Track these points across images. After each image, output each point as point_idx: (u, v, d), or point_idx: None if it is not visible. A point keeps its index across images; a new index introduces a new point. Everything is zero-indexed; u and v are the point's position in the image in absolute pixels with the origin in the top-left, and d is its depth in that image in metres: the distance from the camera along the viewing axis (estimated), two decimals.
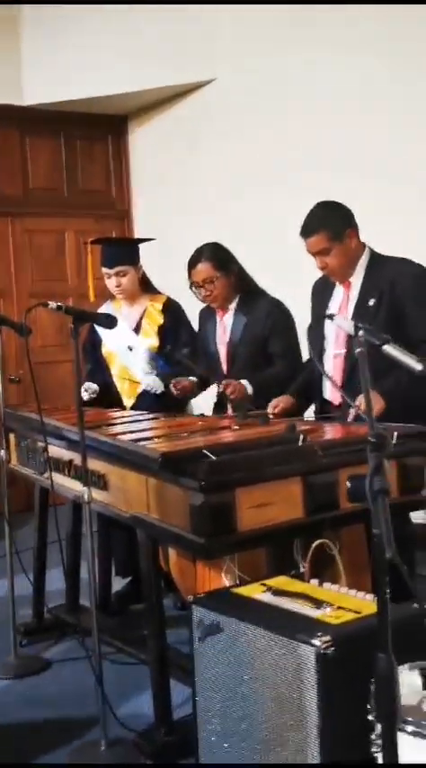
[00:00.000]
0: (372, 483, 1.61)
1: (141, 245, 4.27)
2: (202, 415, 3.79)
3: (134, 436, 3.10)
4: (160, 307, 4.13)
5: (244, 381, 3.65)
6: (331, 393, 3.45)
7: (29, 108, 6.44)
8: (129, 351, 4.10)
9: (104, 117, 6.88)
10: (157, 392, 4.03)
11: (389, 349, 1.99)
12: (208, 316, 4.00)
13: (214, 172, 6.11)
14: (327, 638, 2.02)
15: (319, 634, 2.03)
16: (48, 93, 6.38)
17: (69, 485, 3.40)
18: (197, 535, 2.51)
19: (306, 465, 2.67)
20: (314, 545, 2.56)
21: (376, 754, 1.81)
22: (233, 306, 3.85)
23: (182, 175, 6.41)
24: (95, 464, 3.07)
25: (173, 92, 6.35)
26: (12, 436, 4.07)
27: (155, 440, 3.02)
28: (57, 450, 3.46)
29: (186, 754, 2.62)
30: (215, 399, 3.98)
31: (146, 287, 4.17)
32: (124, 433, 3.28)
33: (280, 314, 3.82)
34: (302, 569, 2.56)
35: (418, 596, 2.11)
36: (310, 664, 2.02)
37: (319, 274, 3.52)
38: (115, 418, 3.79)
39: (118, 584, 4.26)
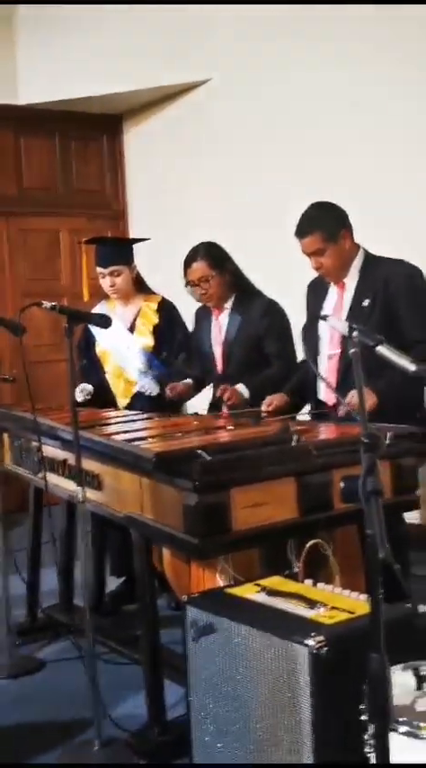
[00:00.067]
0: (365, 483, 1.62)
1: (135, 245, 4.26)
2: (196, 414, 3.79)
3: (128, 436, 3.10)
4: (155, 306, 4.13)
5: (239, 386, 3.65)
6: (325, 393, 3.45)
7: (23, 107, 6.43)
8: (126, 350, 4.09)
9: (99, 116, 6.88)
10: (153, 394, 4.03)
11: (383, 350, 1.99)
12: (203, 315, 4.00)
13: (209, 172, 6.11)
14: (321, 638, 2.02)
15: (313, 634, 2.03)
16: (42, 92, 6.37)
17: (63, 485, 3.40)
18: (191, 535, 2.51)
19: (300, 465, 2.67)
20: (308, 545, 2.56)
21: (369, 755, 1.81)
22: (228, 305, 3.86)
23: (177, 175, 6.40)
24: (89, 464, 3.07)
25: (168, 92, 6.35)
26: (5, 436, 4.07)
27: (150, 440, 3.02)
28: (51, 450, 3.46)
29: (180, 755, 2.62)
30: (210, 400, 3.98)
31: (140, 287, 4.17)
32: (118, 432, 3.28)
33: (276, 314, 3.82)
34: (296, 569, 2.56)
35: (411, 597, 2.12)
36: (304, 664, 2.02)
37: (314, 274, 3.53)
38: (109, 418, 3.79)
39: (112, 584, 4.26)
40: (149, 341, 4.07)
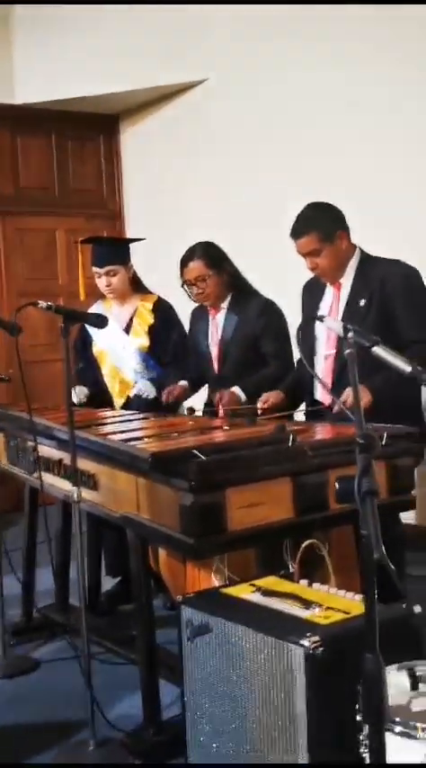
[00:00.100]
0: (361, 484, 1.62)
1: (132, 245, 4.26)
2: (192, 408, 3.77)
3: (124, 436, 3.10)
4: (151, 306, 4.13)
5: (235, 389, 3.65)
6: (321, 393, 3.45)
7: (20, 107, 6.43)
8: (122, 350, 4.09)
9: (96, 116, 6.88)
10: (150, 397, 4.03)
11: (378, 350, 1.99)
12: (200, 315, 4.00)
13: (205, 172, 6.11)
14: (316, 638, 2.02)
15: (308, 634, 2.04)
16: (39, 92, 6.37)
17: (59, 484, 3.39)
18: (186, 535, 2.52)
19: (295, 465, 2.68)
20: (303, 545, 2.57)
21: (364, 755, 1.81)
22: (225, 305, 3.86)
23: (174, 175, 6.40)
24: (85, 464, 3.07)
25: (165, 92, 6.35)
26: (1, 435, 4.07)
27: (146, 440, 3.01)
28: (47, 450, 3.46)
29: (175, 755, 2.62)
30: (206, 400, 3.97)
31: (136, 287, 4.17)
32: (114, 432, 3.28)
33: (273, 314, 3.82)
34: (291, 570, 2.56)
35: (406, 597, 2.12)
36: (299, 664, 2.02)
37: (310, 275, 3.53)
38: (105, 418, 3.78)
39: (108, 583, 4.26)
40: (145, 341, 4.07)
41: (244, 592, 2.39)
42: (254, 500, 2.57)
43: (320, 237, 3.31)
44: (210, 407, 3.81)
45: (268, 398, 3.48)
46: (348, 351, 1.89)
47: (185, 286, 3.83)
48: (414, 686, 1.92)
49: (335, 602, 2.25)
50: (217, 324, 3.88)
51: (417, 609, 2.20)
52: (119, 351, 4.10)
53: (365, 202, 4.63)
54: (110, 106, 6.72)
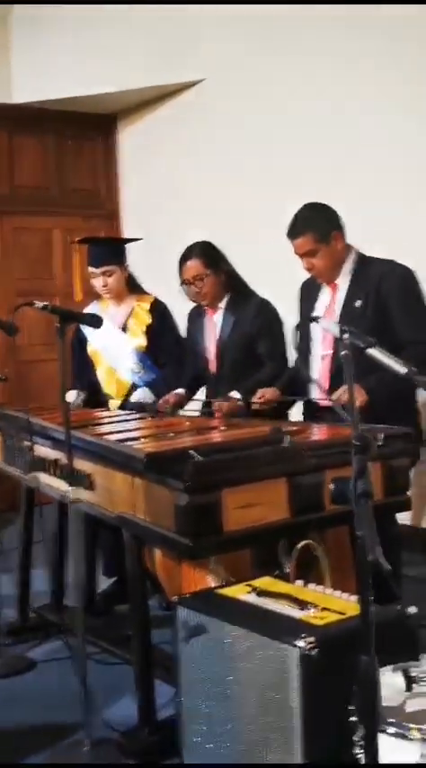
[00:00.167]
0: (356, 486, 1.62)
1: (128, 245, 4.26)
2: (209, 401, 3.75)
3: (120, 436, 3.10)
4: (147, 306, 4.12)
5: (233, 393, 3.65)
6: (317, 393, 3.45)
7: (17, 106, 6.42)
8: (118, 351, 4.09)
9: (93, 116, 6.87)
10: (149, 402, 4.02)
11: (374, 352, 1.99)
12: (197, 315, 4.00)
13: (203, 172, 6.10)
14: (311, 639, 2.02)
15: (303, 635, 2.04)
16: (37, 91, 6.36)
17: (55, 484, 3.39)
18: (182, 536, 2.52)
19: (291, 466, 2.68)
20: (299, 546, 2.57)
21: (359, 755, 1.82)
22: (222, 305, 3.86)
23: (171, 175, 6.40)
24: (81, 464, 3.07)
25: (163, 92, 6.35)
26: None
27: (142, 440, 3.02)
28: (43, 450, 3.46)
29: (170, 755, 2.62)
30: (203, 401, 3.98)
31: (132, 287, 4.17)
32: (111, 432, 3.28)
33: (268, 313, 3.82)
34: (287, 570, 2.57)
35: (401, 598, 2.12)
36: (294, 665, 2.02)
37: (307, 275, 3.54)
38: (102, 418, 3.78)
39: (104, 584, 4.26)
40: (142, 341, 4.07)
41: (239, 592, 2.40)
42: (250, 500, 2.57)
43: (316, 238, 3.32)
44: (208, 407, 3.81)
45: (263, 394, 3.48)
46: (343, 352, 1.90)
47: (183, 285, 3.83)
48: (409, 687, 1.93)
49: (331, 603, 2.25)
50: (215, 324, 3.88)
51: (412, 610, 2.20)
52: (116, 351, 4.10)
53: (365, 202, 4.64)
54: (107, 106, 6.72)
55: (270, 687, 2.09)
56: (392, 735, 1.78)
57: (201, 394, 4.05)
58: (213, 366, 3.88)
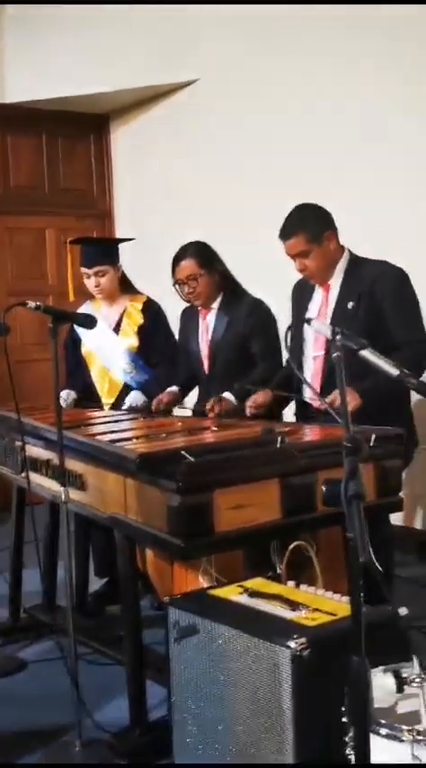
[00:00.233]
0: (347, 488, 1.62)
1: (121, 245, 4.26)
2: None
3: (112, 436, 3.10)
4: (140, 306, 4.12)
5: (226, 394, 3.65)
6: (310, 394, 3.45)
7: (10, 106, 6.41)
8: (111, 351, 4.08)
9: (86, 116, 6.87)
10: (141, 405, 4.02)
11: (366, 354, 2.00)
12: (190, 315, 4.00)
13: (196, 172, 6.10)
14: (302, 640, 2.02)
15: (295, 636, 2.04)
16: (30, 91, 6.34)
17: (47, 484, 3.39)
18: (174, 536, 2.52)
19: (283, 467, 2.68)
20: (291, 547, 2.57)
21: (350, 756, 1.82)
22: (216, 305, 3.86)
23: (164, 175, 6.40)
24: (73, 464, 3.06)
25: (156, 92, 6.35)
26: None
27: (134, 440, 3.01)
28: (35, 450, 3.45)
29: (161, 755, 2.62)
30: (196, 400, 3.98)
31: (125, 287, 4.16)
32: (103, 433, 3.27)
33: (261, 313, 3.82)
34: (279, 571, 2.57)
35: (392, 599, 2.13)
36: (285, 665, 2.02)
37: (299, 276, 3.54)
38: (94, 418, 3.78)
39: (95, 584, 4.25)
40: (134, 341, 4.07)
41: (231, 593, 2.40)
42: (242, 501, 2.57)
43: (308, 239, 3.31)
44: (200, 408, 3.81)
45: (255, 400, 3.48)
46: (335, 354, 1.90)
47: (176, 285, 3.82)
48: (400, 688, 1.93)
49: (322, 604, 2.26)
50: (208, 324, 3.88)
51: (403, 611, 2.20)
52: (108, 351, 4.09)
53: (364, 202, 4.64)
54: (100, 106, 6.72)
55: (262, 688, 2.09)
56: (383, 736, 1.78)
57: (194, 394, 4.06)
58: (206, 366, 3.88)
